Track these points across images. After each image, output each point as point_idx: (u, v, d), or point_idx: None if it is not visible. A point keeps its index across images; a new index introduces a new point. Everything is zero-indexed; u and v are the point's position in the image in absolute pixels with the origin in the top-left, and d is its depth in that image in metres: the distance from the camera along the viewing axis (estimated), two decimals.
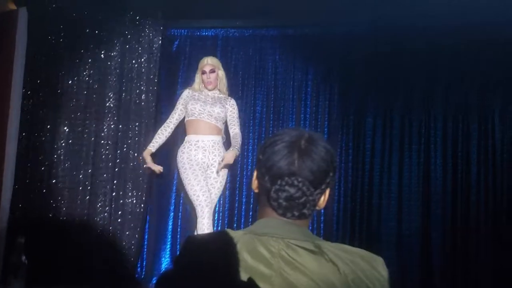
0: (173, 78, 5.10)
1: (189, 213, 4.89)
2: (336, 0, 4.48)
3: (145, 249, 4.81)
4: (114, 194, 4.63)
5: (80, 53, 4.69)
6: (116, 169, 4.66)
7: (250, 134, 4.99)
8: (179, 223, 4.93)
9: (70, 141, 4.64)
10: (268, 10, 4.74)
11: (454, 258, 4.59)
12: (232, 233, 1.41)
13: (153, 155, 4.50)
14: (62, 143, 4.63)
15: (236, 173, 4.91)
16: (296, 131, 1.46)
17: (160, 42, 4.80)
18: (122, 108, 4.70)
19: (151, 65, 4.76)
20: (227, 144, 4.48)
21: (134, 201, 4.63)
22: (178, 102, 4.56)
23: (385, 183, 4.77)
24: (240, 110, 4.62)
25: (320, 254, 1.34)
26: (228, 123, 4.52)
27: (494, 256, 4.51)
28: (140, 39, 4.75)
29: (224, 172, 4.40)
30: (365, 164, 4.82)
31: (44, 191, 4.55)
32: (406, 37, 4.78)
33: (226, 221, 4.94)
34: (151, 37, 4.77)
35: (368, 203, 4.78)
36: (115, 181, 4.64)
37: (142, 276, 4.74)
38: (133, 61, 4.73)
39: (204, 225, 4.13)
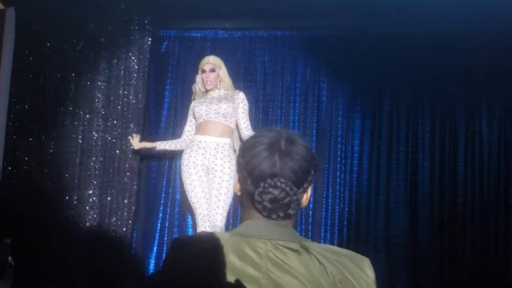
0: (162, 78, 5.08)
1: (180, 215, 4.90)
2: (324, 3, 4.47)
3: (133, 247, 4.77)
4: (102, 194, 4.59)
5: (68, 53, 4.65)
6: (105, 170, 4.62)
7: None
8: (166, 224, 4.90)
9: (58, 141, 4.59)
10: (257, 12, 4.75)
11: (442, 260, 4.62)
12: (219, 235, 1.41)
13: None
14: (50, 144, 4.59)
15: None
16: (274, 132, 1.47)
17: (149, 42, 4.76)
18: (111, 108, 4.66)
19: (140, 66, 4.71)
20: None
21: (122, 203, 4.59)
22: (188, 114, 4.55)
23: (373, 185, 4.79)
24: None
25: (307, 255, 1.35)
26: (238, 123, 4.38)
27: (481, 257, 4.55)
28: (129, 39, 4.71)
29: (230, 177, 4.20)
30: (353, 166, 4.84)
31: (31, 191, 4.51)
32: (394, 41, 4.80)
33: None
34: (140, 37, 4.73)
35: (356, 205, 4.79)
36: (103, 182, 4.61)
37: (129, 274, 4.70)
38: (122, 61, 4.69)
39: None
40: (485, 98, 4.73)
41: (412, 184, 4.74)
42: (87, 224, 4.51)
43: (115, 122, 4.64)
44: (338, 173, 4.83)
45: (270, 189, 1.38)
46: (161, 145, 4.50)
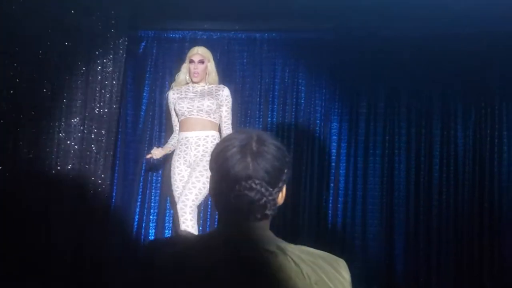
0: (140, 79, 5.06)
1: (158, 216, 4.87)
2: (303, 6, 4.49)
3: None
4: (78, 197, 4.54)
5: (44, 53, 4.59)
6: (80, 171, 4.57)
7: None
8: (143, 226, 4.88)
9: (33, 143, 4.53)
10: (236, 13, 4.75)
11: (417, 262, 4.66)
12: (196, 237, 1.40)
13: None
14: (25, 145, 4.52)
15: None
16: (244, 134, 1.46)
17: (126, 43, 4.73)
18: (87, 109, 4.61)
19: (116, 66, 4.68)
20: None
21: (98, 201, 4.55)
22: (169, 108, 4.37)
23: (350, 187, 4.82)
24: None
25: (283, 256, 1.34)
26: (220, 121, 4.26)
27: (455, 258, 4.60)
28: (106, 40, 4.67)
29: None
30: (330, 169, 4.86)
31: (6, 196, 4.43)
32: (370, 44, 4.84)
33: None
34: (117, 37, 4.69)
35: (333, 207, 4.81)
36: (79, 183, 4.55)
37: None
38: (98, 61, 4.65)
39: (188, 227, 3.88)
40: (461, 101, 4.79)
41: (388, 187, 4.78)
42: (63, 228, 4.45)
43: (91, 123, 4.59)
44: (315, 175, 4.85)
45: (246, 192, 1.37)
46: (172, 147, 4.31)
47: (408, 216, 4.73)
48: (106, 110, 4.61)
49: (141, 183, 4.92)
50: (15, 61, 4.54)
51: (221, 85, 4.30)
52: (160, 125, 4.99)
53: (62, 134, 4.55)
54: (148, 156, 4.29)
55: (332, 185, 4.84)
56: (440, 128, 4.78)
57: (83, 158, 4.57)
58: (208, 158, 3.70)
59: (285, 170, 1.46)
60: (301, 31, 5.01)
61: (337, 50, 4.91)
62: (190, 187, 3.92)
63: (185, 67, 4.31)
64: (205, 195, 3.92)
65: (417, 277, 4.64)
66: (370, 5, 4.35)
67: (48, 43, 4.59)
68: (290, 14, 4.72)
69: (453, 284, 4.57)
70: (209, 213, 4.86)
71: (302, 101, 4.96)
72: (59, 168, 4.52)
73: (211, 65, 4.29)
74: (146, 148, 4.86)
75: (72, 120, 4.57)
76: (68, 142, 4.55)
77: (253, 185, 1.37)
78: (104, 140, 4.60)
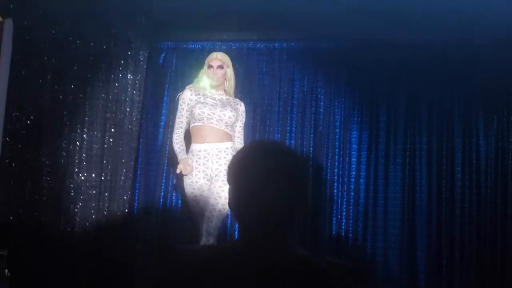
0: (160, 90, 5.09)
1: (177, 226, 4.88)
2: (321, 15, 4.49)
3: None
4: (100, 204, 4.58)
5: (65, 65, 4.65)
6: (102, 180, 4.61)
7: None
8: None
9: (55, 153, 4.58)
10: (255, 23, 4.77)
11: (440, 271, 4.60)
12: (219, 247, 1.41)
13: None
14: (47, 155, 4.57)
15: None
16: (261, 145, 1.57)
17: (146, 54, 4.79)
18: (108, 120, 4.66)
19: (138, 77, 4.73)
20: None
21: (120, 211, 4.59)
22: (181, 107, 4.19)
23: (370, 196, 4.78)
24: None
25: (306, 266, 1.34)
26: (233, 134, 4.18)
27: (478, 270, 4.53)
28: (127, 51, 4.72)
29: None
30: (350, 178, 4.83)
31: (27, 203, 4.48)
32: (389, 52, 4.82)
33: None
34: (137, 49, 4.75)
35: (353, 216, 4.78)
36: (100, 195, 4.60)
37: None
38: (119, 73, 4.70)
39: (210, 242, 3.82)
40: (482, 109, 4.74)
41: (410, 195, 4.73)
42: (85, 232, 4.49)
43: (112, 133, 4.64)
44: (335, 184, 4.83)
45: (267, 202, 1.38)
46: (184, 152, 4.13)
47: (430, 225, 4.67)
48: (127, 121, 4.66)
49: (162, 193, 4.94)
50: (36, 74, 4.61)
51: (238, 99, 4.28)
52: None
53: (83, 146, 4.60)
54: (186, 173, 4.04)
55: (352, 194, 4.81)
56: (461, 136, 4.73)
57: (104, 169, 4.61)
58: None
59: (305, 181, 1.46)
60: (319, 40, 5.00)
61: (356, 58, 4.89)
62: (213, 203, 3.89)
63: (203, 73, 4.21)
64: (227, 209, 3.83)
65: (440, 286, 4.58)
66: (388, 12, 4.34)
67: (69, 56, 4.66)
68: (308, 24, 4.72)
69: None
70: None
71: (321, 110, 4.95)
72: (81, 180, 4.56)
73: (230, 71, 4.21)
74: (166, 159, 4.89)
75: (94, 132, 4.62)
76: (90, 154, 4.60)
77: (274, 196, 1.38)
78: (125, 152, 4.65)
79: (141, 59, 4.77)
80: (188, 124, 4.20)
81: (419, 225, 4.68)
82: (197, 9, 4.49)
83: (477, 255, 4.56)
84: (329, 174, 4.84)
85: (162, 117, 5.05)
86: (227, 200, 3.63)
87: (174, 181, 4.90)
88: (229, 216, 4.73)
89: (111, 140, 4.64)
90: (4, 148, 4.52)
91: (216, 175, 3.97)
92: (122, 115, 4.67)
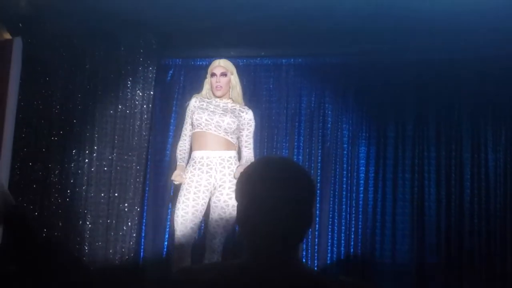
0: (168, 106, 5.12)
1: None
2: (328, 31, 4.51)
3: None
4: (109, 221, 4.59)
5: (74, 83, 4.68)
6: (111, 196, 4.63)
7: None
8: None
9: (64, 169, 4.60)
10: (262, 40, 4.79)
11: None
12: (226, 265, 1.40)
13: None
14: (56, 172, 4.59)
15: None
16: (270, 161, 1.55)
17: (154, 71, 4.83)
18: (116, 137, 4.69)
19: (146, 94, 4.77)
20: None
21: (127, 229, 4.60)
22: (186, 115, 4.08)
23: (379, 212, 4.76)
24: None
25: (315, 283, 1.34)
26: (240, 143, 3.99)
27: (488, 284, 4.49)
28: (135, 69, 4.76)
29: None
30: (359, 193, 4.82)
31: (37, 218, 4.49)
32: (398, 67, 4.83)
33: None
34: (146, 66, 4.79)
35: (362, 232, 4.76)
36: (109, 209, 4.61)
37: None
38: (128, 90, 4.74)
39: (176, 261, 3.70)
40: (491, 124, 4.72)
41: (419, 211, 4.70)
42: (93, 251, 4.50)
43: (120, 150, 4.67)
44: (343, 200, 4.82)
45: (274, 219, 1.38)
46: (184, 160, 4.03)
47: (440, 240, 4.64)
48: (136, 137, 4.70)
49: (169, 209, 4.95)
50: (45, 91, 4.63)
51: (246, 107, 4.07)
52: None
53: (93, 162, 4.62)
54: (176, 182, 3.96)
55: (360, 209, 4.80)
56: (470, 151, 4.71)
57: (112, 185, 4.63)
58: (233, 181, 3.60)
59: (313, 197, 1.47)
60: (327, 56, 5.01)
61: (363, 74, 4.90)
62: (217, 217, 3.78)
63: (207, 82, 4.07)
64: (234, 222, 3.75)
65: None
66: (395, 28, 4.34)
67: (78, 72, 4.69)
68: (315, 39, 4.74)
69: None
70: None
71: (329, 126, 4.95)
72: (90, 195, 4.58)
73: (234, 78, 4.03)
74: None
75: (103, 148, 4.64)
76: (99, 169, 4.62)
77: (282, 213, 1.38)
78: (134, 167, 4.68)
79: (149, 76, 4.81)
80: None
81: (428, 241, 4.65)
82: (204, 26, 4.52)
83: (488, 270, 4.52)
84: (337, 190, 4.83)
85: (170, 133, 5.07)
86: (234, 209, 3.61)
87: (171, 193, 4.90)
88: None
89: (120, 156, 4.67)
90: (13, 165, 4.54)
91: (220, 185, 3.77)
92: (130, 131, 4.71)
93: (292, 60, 5.05)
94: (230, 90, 4.02)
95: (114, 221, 4.60)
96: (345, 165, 4.87)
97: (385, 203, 4.76)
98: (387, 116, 4.88)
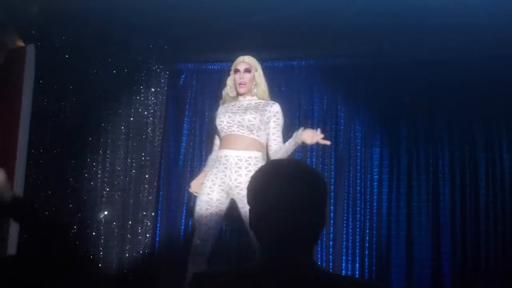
0: (180, 111, 5.15)
1: None
2: (340, 33, 4.50)
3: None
4: (123, 225, 4.61)
5: (87, 88, 4.72)
6: (125, 201, 4.66)
7: None
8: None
9: (79, 175, 4.63)
10: (273, 43, 4.79)
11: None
12: (241, 268, 1.41)
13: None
14: (72, 178, 4.63)
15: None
16: (280, 164, 1.58)
17: (167, 76, 4.85)
18: (130, 142, 4.72)
19: (158, 99, 4.80)
20: None
21: (143, 235, 4.62)
22: (215, 123, 3.84)
23: (393, 213, 4.74)
24: None
25: (328, 285, 1.34)
26: (268, 137, 3.69)
27: (506, 284, 4.46)
28: (147, 73, 4.79)
29: None
30: (373, 195, 4.80)
31: (52, 226, 4.52)
32: (410, 68, 4.80)
33: None
34: (158, 71, 4.82)
35: (377, 233, 4.74)
36: (124, 214, 4.64)
37: None
38: (141, 95, 4.77)
39: (190, 265, 3.57)
40: (505, 124, 4.68)
41: (434, 211, 4.68)
42: (109, 256, 4.52)
43: (134, 155, 4.69)
44: (358, 202, 4.80)
45: (288, 221, 1.38)
46: (208, 169, 3.82)
47: (455, 241, 4.61)
48: (149, 142, 4.72)
49: (183, 213, 4.96)
50: (59, 96, 4.68)
51: (272, 101, 3.78)
52: (200, 155, 5.04)
53: (106, 167, 4.65)
54: (193, 192, 3.81)
55: (375, 211, 4.78)
56: (484, 151, 4.67)
57: (127, 189, 4.66)
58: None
59: (325, 199, 1.46)
60: (338, 58, 4.99)
61: (375, 75, 4.88)
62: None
63: (230, 79, 3.86)
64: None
65: None
66: (407, 28, 4.32)
67: (90, 78, 4.72)
68: (326, 41, 4.73)
69: None
70: None
71: (342, 127, 4.94)
72: (104, 200, 4.61)
73: (259, 75, 3.78)
74: (188, 179, 4.92)
75: (116, 153, 4.67)
76: (113, 174, 4.65)
77: (295, 216, 1.38)
78: (147, 172, 4.70)
79: (162, 80, 4.83)
80: None
81: (444, 242, 4.62)
82: (216, 30, 4.52)
83: (504, 270, 4.48)
84: (351, 192, 4.82)
85: (184, 137, 5.09)
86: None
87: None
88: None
89: (133, 161, 4.70)
90: (28, 171, 4.58)
91: (237, 187, 3.52)
92: (144, 136, 4.73)
93: (303, 62, 5.05)
94: (255, 87, 3.79)
95: (128, 226, 4.62)
96: (358, 167, 4.85)
97: (399, 204, 4.74)
98: (400, 117, 4.86)
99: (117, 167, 4.67)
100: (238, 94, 3.78)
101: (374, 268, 4.69)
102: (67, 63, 4.72)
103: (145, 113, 4.76)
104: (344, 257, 4.74)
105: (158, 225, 4.94)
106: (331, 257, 4.74)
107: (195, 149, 5.06)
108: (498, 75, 4.62)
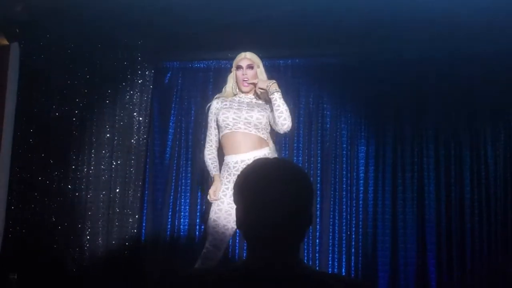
0: (166, 109, 5.12)
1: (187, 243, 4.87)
2: (325, 32, 4.51)
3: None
4: (109, 225, 4.59)
5: (72, 87, 4.69)
6: (110, 201, 4.63)
7: None
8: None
9: (64, 176, 4.60)
10: (259, 42, 4.78)
11: (451, 284, 4.56)
12: (229, 267, 1.40)
13: None
14: (56, 179, 4.60)
15: None
16: (265, 163, 1.51)
17: (152, 74, 4.82)
18: (115, 141, 4.69)
19: (144, 97, 4.77)
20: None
21: (127, 236, 4.60)
22: (209, 119, 3.74)
23: (379, 211, 4.76)
24: None
25: (314, 283, 1.34)
26: (272, 124, 3.61)
27: (490, 281, 4.49)
28: (133, 72, 4.77)
29: None
30: (359, 193, 4.82)
31: (37, 227, 4.49)
32: (396, 67, 4.83)
33: None
34: (143, 69, 4.79)
35: (363, 231, 4.76)
36: (109, 213, 4.61)
37: None
38: (126, 94, 4.74)
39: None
40: (489, 121, 4.72)
41: (419, 209, 4.70)
42: (95, 256, 4.50)
43: (119, 154, 4.67)
44: (344, 200, 4.82)
45: (274, 220, 1.39)
46: (217, 169, 3.68)
47: (440, 237, 4.64)
48: (134, 141, 4.69)
49: (169, 212, 4.95)
50: (43, 95, 4.65)
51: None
52: (186, 154, 5.03)
53: (91, 166, 4.62)
54: (212, 201, 3.59)
55: (361, 209, 4.80)
56: (469, 149, 4.71)
57: (112, 189, 4.63)
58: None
59: (312, 197, 1.47)
60: (324, 57, 5.01)
61: (361, 74, 4.89)
62: None
63: (231, 76, 3.76)
64: None
65: None
66: (393, 28, 4.34)
67: (75, 77, 4.70)
68: (312, 40, 4.74)
69: None
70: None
71: (328, 126, 4.95)
72: (89, 198, 4.59)
73: (261, 72, 3.72)
74: (173, 178, 4.92)
75: (101, 152, 4.64)
76: (98, 173, 4.63)
77: (281, 214, 1.38)
78: (133, 171, 4.68)
79: (147, 79, 4.81)
80: (219, 135, 3.73)
81: (429, 239, 4.65)
82: (202, 29, 4.51)
83: (489, 266, 4.53)
84: (337, 190, 4.83)
85: (169, 136, 5.07)
86: None
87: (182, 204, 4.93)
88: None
89: (118, 161, 4.67)
90: (12, 171, 4.55)
91: None
92: (129, 135, 4.70)
93: (289, 61, 5.04)
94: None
95: (113, 225, 4.60)
96: (344, 165, 4.86)
97: (385, 202, 4.76)
98: (386, 116, 4.88)
99: (101, 166, 4.65)
100: (241, 91, 3.72)
101: (360, 265, 4.70)
102: (51, 61, 4.69)
103: (130, 112, 4.74)
104: (330, 255, 4.75)
105: (144, 224, 4.92)
106: (317, 255, 4.75)
107: (181, 148, 5.04)
108: (483, 73, 4.66)
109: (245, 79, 3.62)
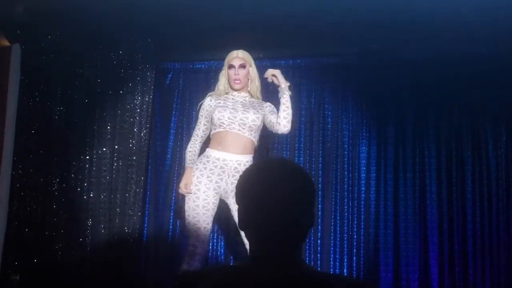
0: (167, 110, 5.11)
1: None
2: (326, 31, 4.51)
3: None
4: (110, 225, 4.59)
5: (73, 88, 4.69)
6: (112, 201, 4.63)
7: None
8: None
9: (65, 176, 4.60)
10: (260, 41, 4.78)
11: (453, 286, 4.56)
12: (231, 267, 1.41)
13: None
14: (57, 178, 4.60)
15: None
16: (266, 163, 1.58)
17: (153, 75, 4.82)
18: (116, 142, 4.69)
19: (145, 98, 4.77)
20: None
21: (129, 237, 4.60)
22: (200, 115, 3.79)
23: (381, 211, 4.75)
24: None
25: (315, 283, 1.34)
26: (269, 120, 3.71)
27: (493, 283, 4.49)
28: (134, 73, 4.76)
29: None
30: (360, 193, 4.81)
31: (39, 228, 4.50)
32: (398, 67, 4.82)
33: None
34: (144, 70, 4.79)
35: (364, 232, 4.75)
36: (110, 214, 4.61)
37: None
38: (127, 95, 4.74)
39: (185, 266, 3.51)
40: (491, 121, 4.72)
41: (421, 209, 4.70)
42: (97, 257, 4.50)
43: (120, 155, 4.67)
44: (345, 200, 4.81)
45: (276, 220, 1.39)
46: (193, 163, 3.74)
47: (442, 239, 4.64)
48: (135, 142, 4.69)
49: (171, 213, 4.95)
50: (44, 97, 4.65)
51: (263, 101, 3.88)
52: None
53: (93, 166, 4.62)
54: (185, 193, 3.66)
55: (362, 210, 4.79)
56: (471, 149, 4.71)
57: (113, 190, 4.63)
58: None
59: (314, 198, 1.47)
60: (325, 57, 5.00)
61: (363, 74, 4.89)
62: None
63: (223, 74, 3.82)
64: None
65: None
66: (394, 27, 4.34)
67: (77, 78, 4.71)
68: (313, 40, 4.74)
69: None
70: None
71: (329, 126, 4.94)
72: (90, 200, 4.59)
73: (253, 71, 3.80)
74: (175, 179, 4.91)
75: (103, 152, 4.64)
76: (99, 174, 4.63)
77: (283, 215, 1.38)
78: (134, 172, 4.68)
79: (148, 80, 4.80)
80: (207, 132, 3.81)
81: (431, 240, 4.64)
82: (203, 30, 4.52)
83: (491, 268, 4.52)
84: (339, 190, 4.82)
85: (171, 137, 5.06)
86: None
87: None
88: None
89: (120, 162, 4.67)
90: (14, 172, 4.55)
91: (232, 190, 3.51)
92: (130, 136, 4.70)
93: (290, 61, 5.03)
94: (249, 83, 3.82)
95: (115, 226, 4.59)
96: (346, 166, 4.86)
97: (387, 202, 4.75)
98: (387, 116, 4.87)
99: (103, 167, 4.65)
100: (233, 90, 3.79)
101: (362, 266, 4.70)
102: (52, 62, 4.69)
103: (132, 112, 4.73)
104: (332, 256, 4.74)
105: (145, 224, 4.91)
106: (319, 255, 4.74)
107: (182, 148, 5.02)
108: (484, 73, 4.65)
109: (237, 79, 3.71)
